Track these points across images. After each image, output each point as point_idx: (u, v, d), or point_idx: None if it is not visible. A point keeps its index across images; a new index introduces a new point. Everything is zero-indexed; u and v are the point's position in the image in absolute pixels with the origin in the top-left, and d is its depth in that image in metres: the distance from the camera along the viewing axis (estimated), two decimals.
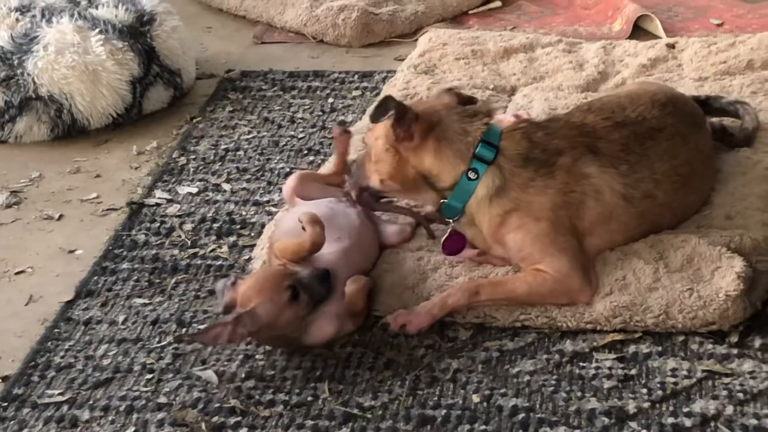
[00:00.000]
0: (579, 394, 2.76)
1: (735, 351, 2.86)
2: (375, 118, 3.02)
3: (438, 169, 3.03)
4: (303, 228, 2.94)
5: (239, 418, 2.75)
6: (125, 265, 3.36)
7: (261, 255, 3.24)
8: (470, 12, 5.03)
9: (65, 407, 2.82)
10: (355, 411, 2.75)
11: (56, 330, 3.11)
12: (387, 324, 2.99)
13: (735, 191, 3.30)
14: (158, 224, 3.56)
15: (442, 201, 3.06)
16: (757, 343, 2.88)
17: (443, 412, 2.72)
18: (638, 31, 4.69)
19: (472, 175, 3.01)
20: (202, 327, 2.99)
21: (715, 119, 3.60)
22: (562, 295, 2.97)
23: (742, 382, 2.76)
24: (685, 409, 2.69)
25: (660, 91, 3.34)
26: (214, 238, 3.47)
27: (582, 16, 4.94)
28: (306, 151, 3.94)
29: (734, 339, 2.89)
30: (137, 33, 4.26)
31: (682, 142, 3.19)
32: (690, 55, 4.20)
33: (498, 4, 5.08)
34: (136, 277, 3.31)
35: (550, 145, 3.04)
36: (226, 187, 3.75)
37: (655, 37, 4.60)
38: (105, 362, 2.97)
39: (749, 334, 2.91)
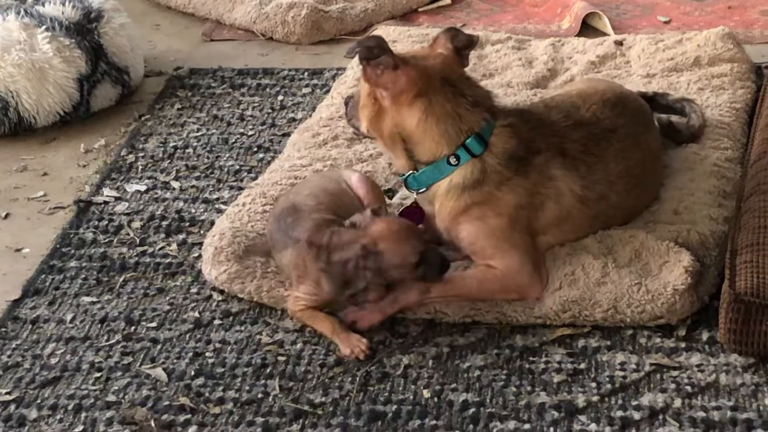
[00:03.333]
0: (529, 388, 2.77)
1: (683, 344, 2.88)
2: (350, 52, 3.01)
3: (418, 140, 3.00)
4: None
5: (189, 416, 2.74)
6: (73, 264, 3.34)
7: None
8: (420, 10, 5.03)
9: (12, 406, 2.80)
10: (306, 407, 2.75)
11: (3, 329, 3.08)
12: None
13: (683, 186, 3.32)
14: (106, 222, 3.54)
15: (412, 171, 3.04)
16: (705, 336, 2.90)
17: (394, 407, 2.72)
18: (587, 28, 4.72)
19: (453, 160, 2.98)
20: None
21: (662, 115, 3.62)
22: (512, 291, 2.98)
23: (690, 375, 2.78)
24: (634, 403, 2.70)
25: (609, 90, 3.35)
26: (163, 236, 3.45)
27: (531, 13, 4.96)
28: (256, 149, 3.93)
29: (682, 333, 2.92)
30: (84, 30, 4.23)
31: (634, 142, 3.20)
32: (638, 52, 4.23)
33: (447, 1, 5.09)
34: (84, 276, 3.28)
35: (532, 144, 3.03)
36: (175, 184, 3.73)
37: (604, 34, 4.63)
38: (53, 361, 2.95)
39: (697, 327, 2.93)
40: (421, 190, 3.06)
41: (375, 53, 2.95)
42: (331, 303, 2.96)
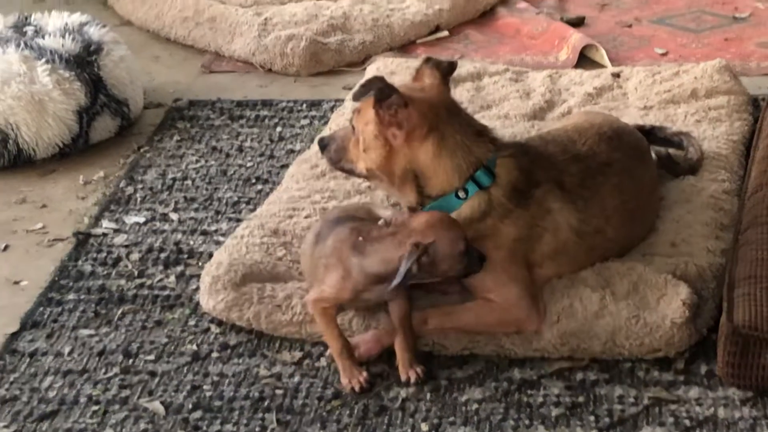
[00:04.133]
0: (527, 422, 2.77)
1: (681, 378, 2.88)
2: (357, 96, 2.98)
3: (432, 174, 2.99)
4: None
5: None
6: (71, 296, 3.34)
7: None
8: (418, 41, 5.05)
9: None
10: None
11: (1, 362, 3.07)
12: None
13: (680, 219, 3.33)
14: (105, 254, 3.54)
15: (419, 205, 3.02)
16: (703, 369, 2.90)
17: None
18: (584, 60, 4.74)
19: (461, 194, 2.98)
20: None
21: (660, 148, 3.63)
22: (510, 324, 2.98)
23: (689, 408, 2.78)
24: None
25: (605, 124, 3.35)
26: (161, 268, 3.45)
27: (528, 45, 4.98)
28: (254, 180, 3.94)
29: (680, 366, 2.92)
30: (84, 62, 4.24)
31: (630, 176, 3.21)
32: (635, 84, 4.24)
33: (445, 33, 5.12)
34: (82, 308, 3.28)
35: (533, 176, 3.04)
36: (174, 216, 3.74)
37: (601, 66, 4.64)
38: (50, 394, 2.95)
39: (695, 360, 2.93)
40: None
41: (386, 93, 2.93)
42: (352, 301, 2.95)
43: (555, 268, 3.06)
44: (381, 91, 2.93)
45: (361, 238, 2.89)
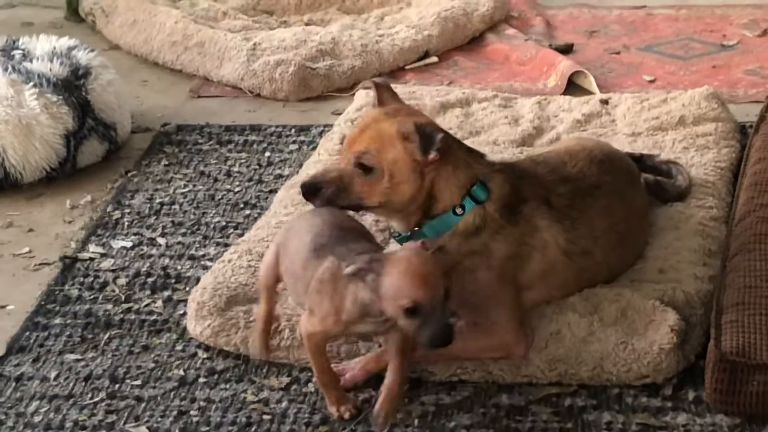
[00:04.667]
0: None
1: (669, 404, 2.88)
2: (426, 148, 2.91)
3: (441, 195, 2.98)
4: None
5: None
6: (58, 321, 3.32)
7: None
8: (407, 67, 5.06)
9: None
10: None
11: None
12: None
13: (668, 245, 3.33)
14: (92, 279, 3.53)
15: (416, 228, 3.02)
16: (691, 396, 2.90)
17: None
18: (572, 87, 4.75)
19: (459, 210, 2.98)
20: None
21: (649, 175, 3.63)
22: (497, 350, 2.97)
23: None
24: None
25: (597, 148, 3.37)
26: (148, 292, 3.44)
27: (517, 71, 4.99)
28: (242, 205, 3.93)
29: (668, 392, 2.91)
30: (72, 86, 4.24)
31: (619, 199, 3.22)
32: (623, 111, 4.25)
33: (434, 59, 5.12)
34: (68, 333, 3.27)
35: (521, 191, 3.05)
36: (161, 241, 3.73)
37: (589, 93, 4.65)
38: (36, 419, 2.93)
39: (683, 387, 2.93)
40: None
41: (431, 140, 2.91)
42: (343, 333, 2.85)
43: (545, 290, 3.06)
44: (444, 142, 2.92)
45: (365, 266, 2.70)
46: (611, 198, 3.19)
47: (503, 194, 3.01)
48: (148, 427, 2.87)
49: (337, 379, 2.92)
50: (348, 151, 3.01)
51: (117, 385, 3.04)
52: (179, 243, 3.71)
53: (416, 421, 2.85)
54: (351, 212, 3.07)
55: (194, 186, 4.09)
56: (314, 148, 4.21)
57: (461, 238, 2.96)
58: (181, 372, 3.08)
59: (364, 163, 2.97)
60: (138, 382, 3.05)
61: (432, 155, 2.92)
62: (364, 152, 2.96)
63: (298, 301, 2.99)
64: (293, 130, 4.47)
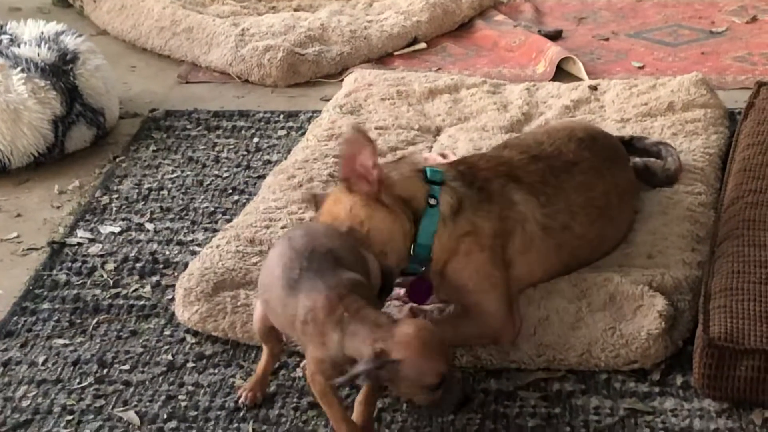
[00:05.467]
0: None
1: (657, 389, 2.88)
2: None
3: (413, 190, 2.94)
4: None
5: None
6: (46, 306, 3.32)
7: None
8: (395, 53, 5.06)
9: None
10: None
11: None
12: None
13: (656, 231, 3.33)
14: (80, 264, 3.52)
15: (413, 244, 2.94)
16: (679, 381, 2.90)
17: None
18: (561, 73, 4.75)
19: (432, 201, 2.95)
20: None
21: (638, 159, 3.64)
22: (487, 337, 2.97)
23: (664, 419, 2.78)
24: None
25: (580, 127, 3.38)
26: (136, 278, 3.44)
27: (506, 58, 4.99)
28: (231, 191, 3.93)
29: (656, 377, 2.92)
30: (60, 72, 4.22)
31: (598, 175, 3.22)
32: (612, 97, 4.26)
33: (423, 45, 5.12)
34: (56, 318, 3.26)
35: (478, 175, 3.05)
36: (150, 226, 3.72)
37: (578, 79, 4.65)
38: (24, 404, 2.92)
39: (671, 372, 2.94)
40: (423, 268, 2.97)
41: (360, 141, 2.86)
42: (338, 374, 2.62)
43: (525, 266, 3.04)
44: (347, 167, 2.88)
45: (346, 314, 2.57)
46: (589, 173, 3.19)
47: (457, 175, 3.02)
48: (136, 412, 2.87)
49: (357, 429, 2.67)
50: None
51: (105, 370, 3.04)
52: (167, 228, 3.71)
53: (404, 406, 2.85)
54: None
55: (182, 171, 4.08)
56: (303, 134, 4.21)
57: (451, 221, 2.95)
58: (170, 357, 3.08)
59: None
60: (126, 367, 3.04)
61: (376, 177, 2.86)
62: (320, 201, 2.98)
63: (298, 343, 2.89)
64: (282, 116, 4.46)
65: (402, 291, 3.09)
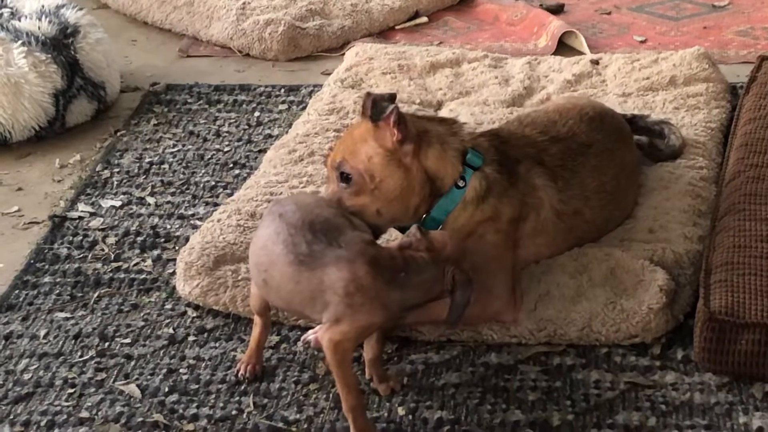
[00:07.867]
0: (504, 406, 2.77)
1: (657, 363, 2.88)
2: (376, 116, 2.83)
3: (441, 173, 2.90)
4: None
5: None
6: (47, 279, 3.32)
7: None
8: (397, 27, 5.04)
9: None
10: (280, 425, 2.74)
11: None
12: (308, 342, 2.98)
13: (657, 205, 3.33)
14: (81, 238, 3.52)
15: (424, 216, 2.93)
16: (679, 355, 2.91)
17: None
18: (563, 47, 4.73)
19: (461, 183, 2.92)
20: None
21: (641, 137, 3.63)
22: (487, 317, 2.96)
23: (665, 393, 2.78)
24: (609, 421, 2.70)
25: (588, 106, 3.36)
26: (137, 251, 3.44)
27: (508, 32, 4.97)
28: (231, 165, 3.92)
29: (657, 351, 2.92)
30: (61, 45, 4.22)
31: (610, 158, 3.21)
32: (614, 71, 4.25)
33: (424, 19, 5.10)
34: (58, 291, 3.26)
35: (510, 153, 3.02)
36: (151, 200, 3.72)
37: (580, 53, 4.64)
38: (26, 377, 2.93)
39: (671, 346, 2.94)
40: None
41: (383, 108, 2.82)
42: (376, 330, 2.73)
43: (532, 248, 3.05)
44: (376, 107, 2.83)
45: (403, 274, 2.61)
46: (602, 156, 3.19)
47: (496, 157, 2.98)
48: (137, 385, 2.88)
49: (365, 403, 2.70)
50: (330, 169, 2.93)
51: (106, 344, 3.04)
52: (168, 202, 3.71)
53: (405, 379, 2.86)
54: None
55: (183, 146, 4.08)
56: (304, 108, 4.20)
57: (473, 206, 2.92)
58: (171, 330, 3.08)
59: (343, 173, 2.87)
60: (128, 341, 3.05)
61: (396, 136, 2.83)
62: (340, 162, 2.87)
63: (305, 318, 2.93)
64: (282, 90, 4.46)
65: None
